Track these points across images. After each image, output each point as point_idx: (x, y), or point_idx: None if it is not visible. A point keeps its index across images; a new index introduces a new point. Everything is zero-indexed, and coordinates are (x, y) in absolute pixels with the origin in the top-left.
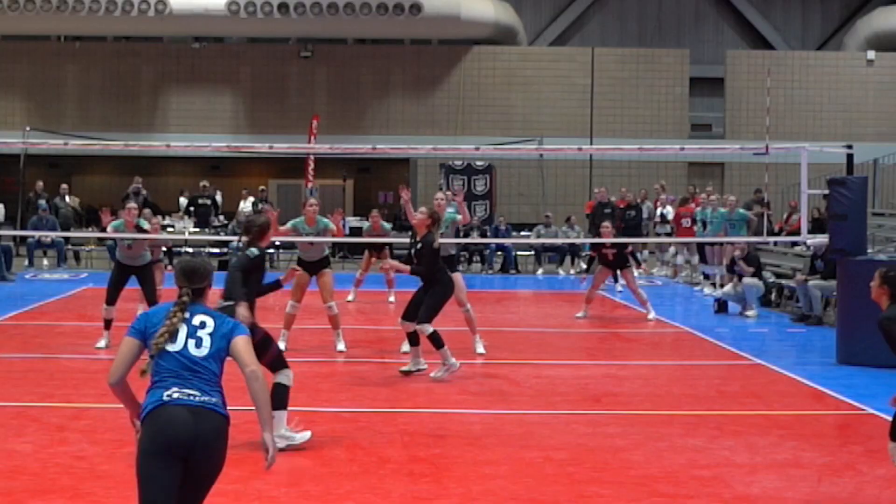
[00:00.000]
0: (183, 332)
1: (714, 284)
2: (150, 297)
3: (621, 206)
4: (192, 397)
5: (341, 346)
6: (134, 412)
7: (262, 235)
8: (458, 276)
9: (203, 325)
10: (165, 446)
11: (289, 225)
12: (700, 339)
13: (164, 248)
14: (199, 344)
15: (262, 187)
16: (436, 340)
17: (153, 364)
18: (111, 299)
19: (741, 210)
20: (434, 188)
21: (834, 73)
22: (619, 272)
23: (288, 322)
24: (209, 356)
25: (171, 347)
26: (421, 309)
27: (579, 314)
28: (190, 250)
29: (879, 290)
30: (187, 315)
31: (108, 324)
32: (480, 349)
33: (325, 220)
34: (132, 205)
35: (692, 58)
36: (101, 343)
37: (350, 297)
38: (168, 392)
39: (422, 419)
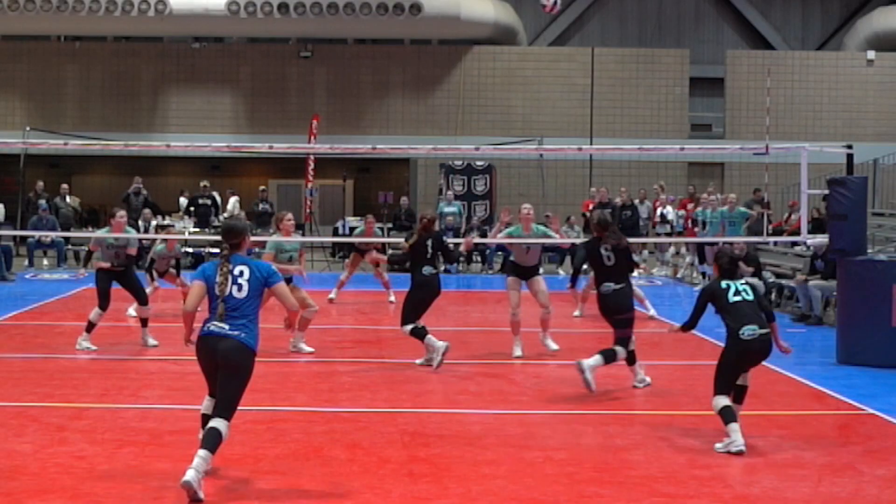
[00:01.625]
0: (228, 280)
1: None
2: (140, 295)
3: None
4: (222, 329)
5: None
6: (187, 336)
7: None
8: (540, 280)
9: (242, 273)
10: (203, 359)
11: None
12: (700, 339)
13: (174, 259)
14: (240, 289)
15: (262, 187)
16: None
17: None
18: (105, 304)
19: (741, 208)
20: (434, 188)
21: (834, 73)
22: None
23: None
24: (248, 297)
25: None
26: None
27: (576, 313)
28: (190, 250)
29: (714, 267)
30: (231, 266)
31: (91, 326)
32: (553, 346)
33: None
34: (121, 213)
35: (692, 58)
36: (86, 344)
37: (332, 296)
38: (209, 325)
39: (422, 419)
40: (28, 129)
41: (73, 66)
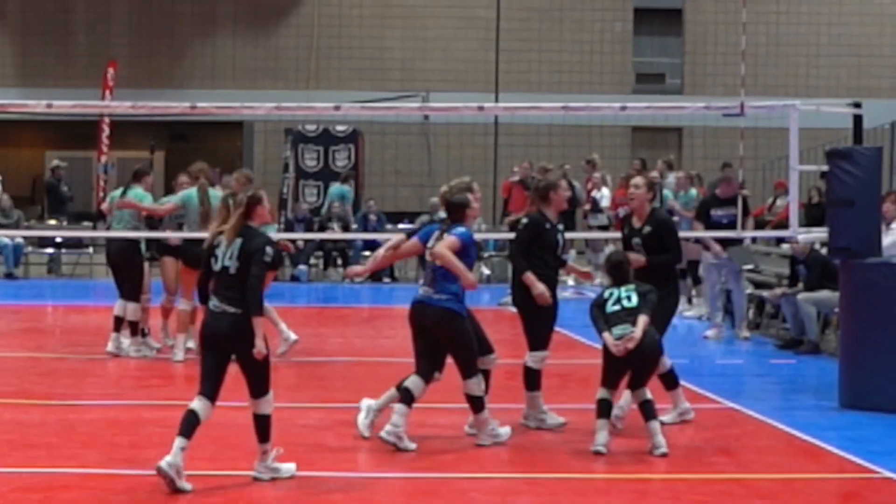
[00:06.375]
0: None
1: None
2: None
3: None
4: (429, 294)
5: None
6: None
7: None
8: None
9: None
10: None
11: None
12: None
13: None
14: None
15: (55, 162)
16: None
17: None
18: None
19: (693, 191)
20: (276, 161)
21: (836, 4)
22: None
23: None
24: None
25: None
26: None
27: None
28: None
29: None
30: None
31: None
32: None
33: None
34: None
35: None
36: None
37: None
38: (419, 289)
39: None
40: None
41: None
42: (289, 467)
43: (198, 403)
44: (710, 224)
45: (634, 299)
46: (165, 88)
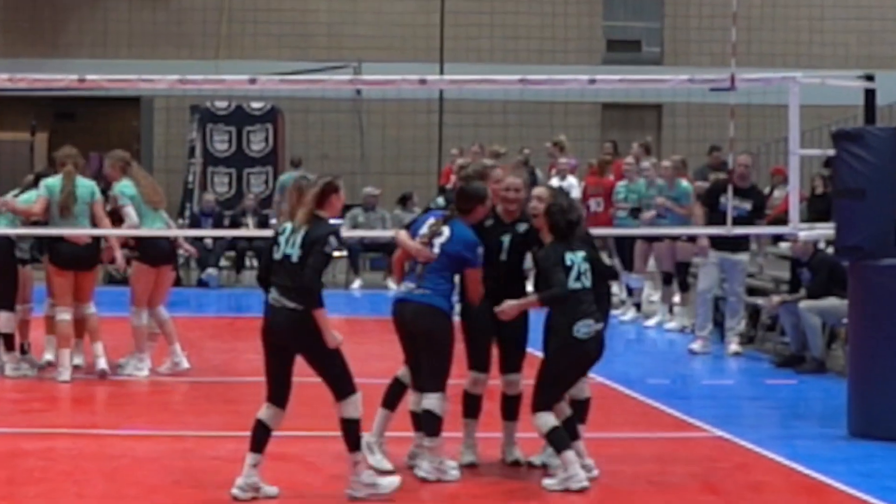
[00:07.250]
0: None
1: (638, 305)
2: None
3: None
4: (411, 290)
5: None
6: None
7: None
8: None
9: (440, 233)
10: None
11: None
12: (622, 395)
13: None
14: (432, 248)
15: None
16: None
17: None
18: None
19: (683, 183)
20: (180, 144)
21: None
22: None
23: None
24: (441, 254)
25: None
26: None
27: None
28: None
29: (547, 226)
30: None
31: None
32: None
33: None
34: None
35: None
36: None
37: None
38: (403, 286)
39: None
40: None
41: None
42: (391, 481)
43: (265, 412)
44: (719, 216)
45: (590, 276)
46: (49, 58)
